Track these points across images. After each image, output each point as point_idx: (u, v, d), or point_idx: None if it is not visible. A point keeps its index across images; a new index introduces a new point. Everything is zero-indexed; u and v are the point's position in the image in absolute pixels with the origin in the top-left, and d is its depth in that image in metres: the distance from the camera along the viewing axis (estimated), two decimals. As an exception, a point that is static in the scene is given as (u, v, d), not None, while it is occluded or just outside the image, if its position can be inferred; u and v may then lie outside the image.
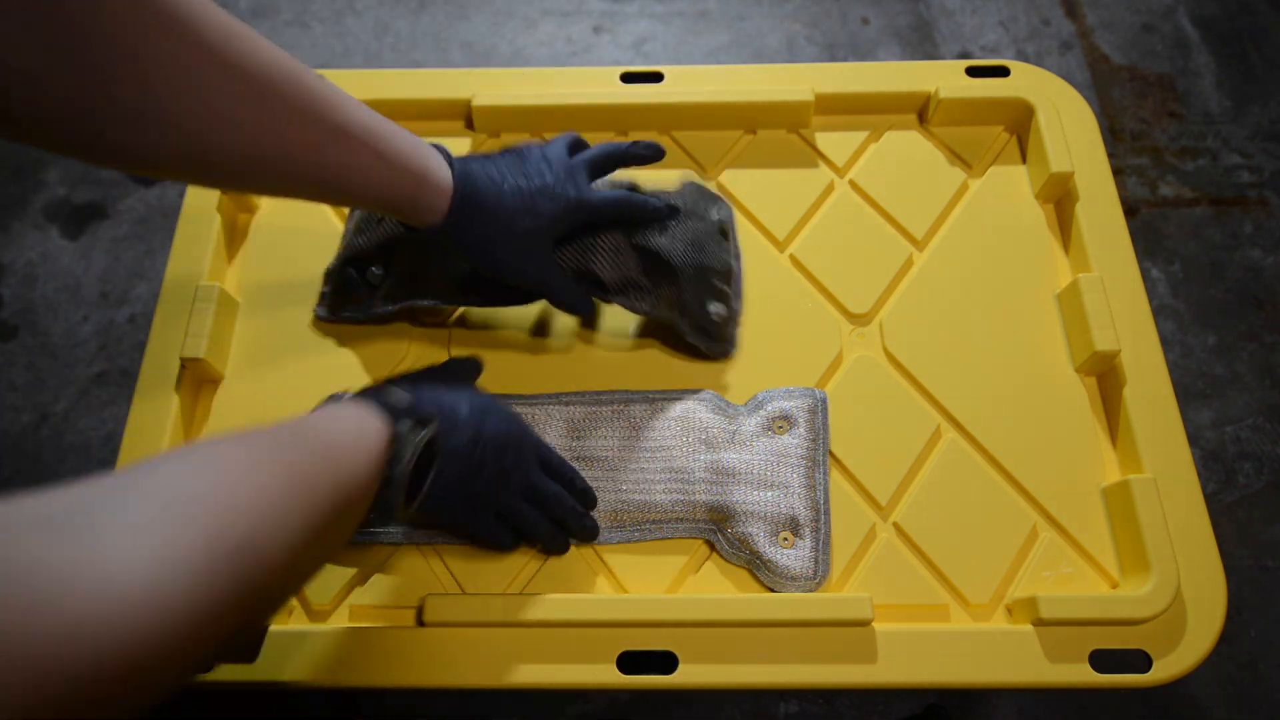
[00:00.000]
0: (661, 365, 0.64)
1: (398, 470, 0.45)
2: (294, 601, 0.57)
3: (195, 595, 0.28)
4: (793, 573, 0.56)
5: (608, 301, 0.61)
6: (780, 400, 0.62)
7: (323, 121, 0.44)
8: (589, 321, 0.66)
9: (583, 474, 0.58)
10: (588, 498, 0.57)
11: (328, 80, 0.46)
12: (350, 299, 0.65)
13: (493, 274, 0.56)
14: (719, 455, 0.59)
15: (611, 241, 0.60)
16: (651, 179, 0.72)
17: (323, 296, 0.67)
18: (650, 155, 0.61)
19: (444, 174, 0.51)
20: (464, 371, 0.60)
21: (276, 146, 0.43)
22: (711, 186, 0.72)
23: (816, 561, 0.57)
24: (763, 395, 0.62)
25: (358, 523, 0.44)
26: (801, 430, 0.60)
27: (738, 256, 0.67)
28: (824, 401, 0.62)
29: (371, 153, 0.47)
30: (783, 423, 0.61)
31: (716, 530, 0.58)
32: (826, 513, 0.58)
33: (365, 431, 0.44)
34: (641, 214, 0.58)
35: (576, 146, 0.60)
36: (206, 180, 0.47)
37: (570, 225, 0.56)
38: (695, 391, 0.63)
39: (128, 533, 0.28)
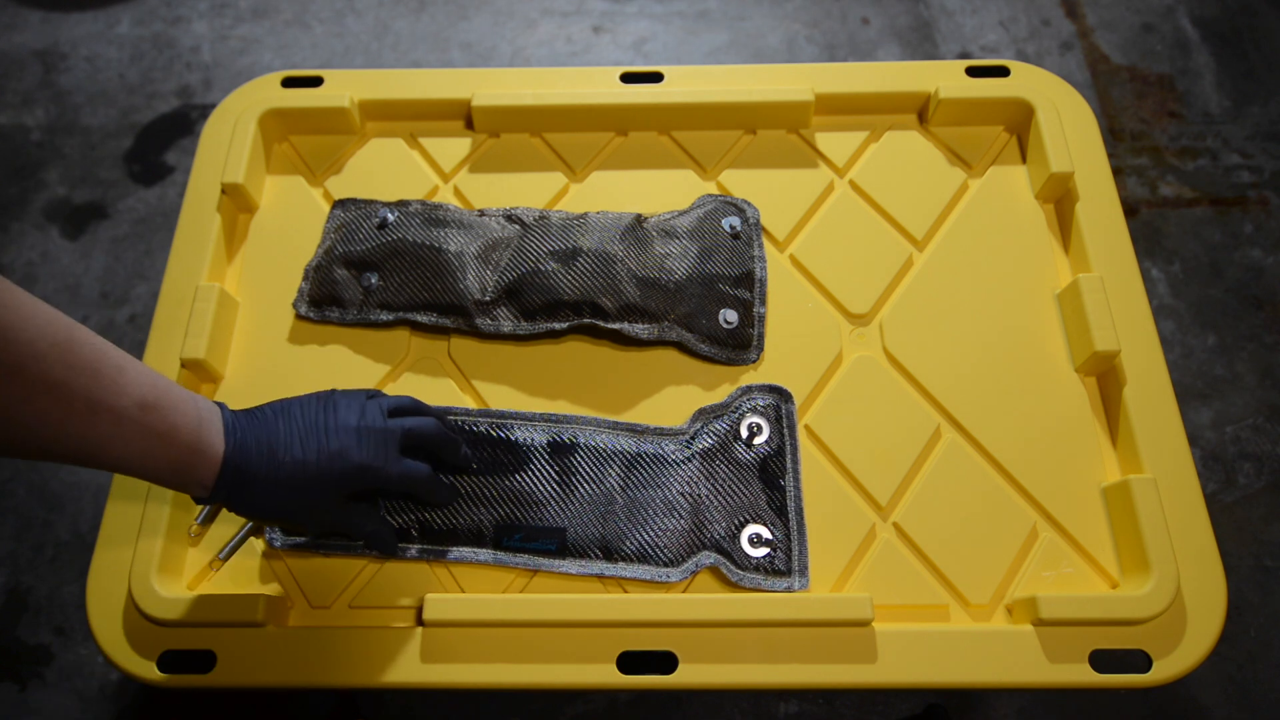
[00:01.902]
0: (669, 370, 0.64)
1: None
2: (295, 601, 0.57)
3: None
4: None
5: (607, 326, 0.62)
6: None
7: (81, 395, 0.41)
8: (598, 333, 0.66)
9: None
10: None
11: (103, 346, 0.43)
12: (339, 300, 0.66)
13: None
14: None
15: (609, 270, 0.61)
16: (654, 179, 0.72)
17: (301, 292, 0.67)
18: (461, 463, 0.58)
19: (216, 447, 0.48)
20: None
21: (22, 419, 0.40)
22: (711, 187, 0.72)
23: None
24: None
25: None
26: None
27: (762, 260, 0.67)
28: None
29: (139, 427, 0.44)
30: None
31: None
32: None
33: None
34: (430, 498, 0.57)
35: (404, 411, 0.55)
36: None
37: (359, 488, 0.52)
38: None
39: None
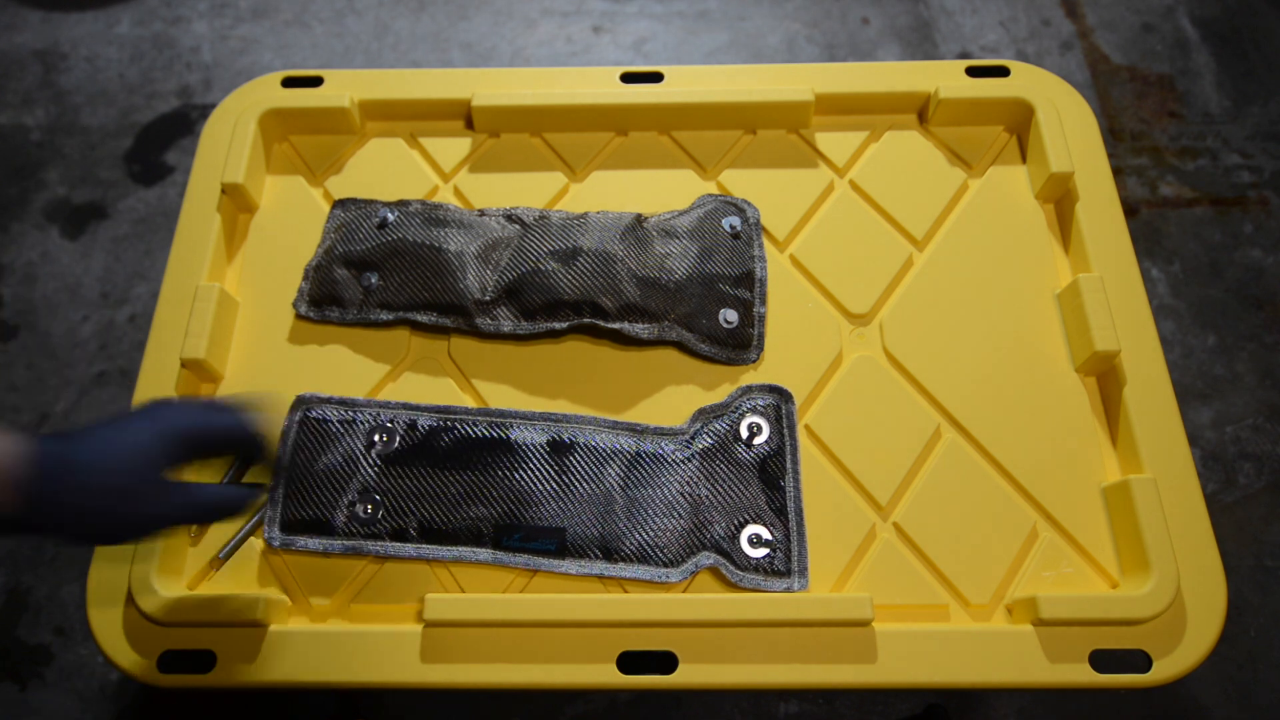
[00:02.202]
0: (669, 370, 0.64)
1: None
2: (295, 601, 0.57)
3: None
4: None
5: (607, 326, 0.62)
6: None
7: None
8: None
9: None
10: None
11: None
12: (339, 299, 0.66)
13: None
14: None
15: (610, 269, 0.61)
16: (654, 179, 0.72)
17: (301, 292, 0.67)
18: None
19: None
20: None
21: None
22: (711, 187, 0.72)
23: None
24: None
25: None
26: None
27: (762, 260, 0.67)
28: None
29: None
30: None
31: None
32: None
33: None
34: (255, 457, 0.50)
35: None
36: None
37: (193, 439, 0.46)
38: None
39: None
